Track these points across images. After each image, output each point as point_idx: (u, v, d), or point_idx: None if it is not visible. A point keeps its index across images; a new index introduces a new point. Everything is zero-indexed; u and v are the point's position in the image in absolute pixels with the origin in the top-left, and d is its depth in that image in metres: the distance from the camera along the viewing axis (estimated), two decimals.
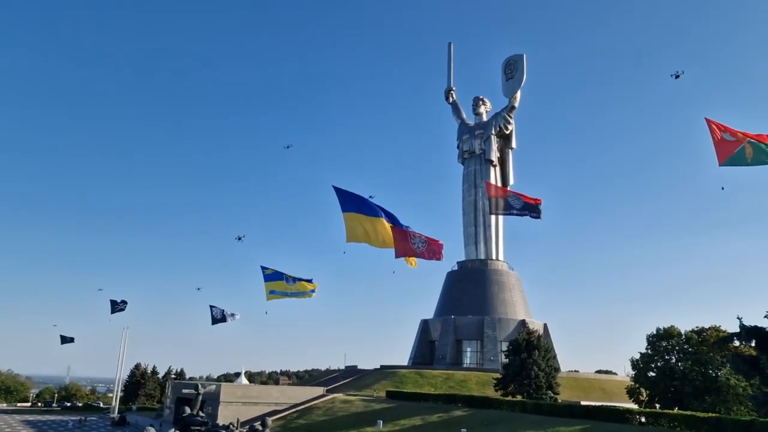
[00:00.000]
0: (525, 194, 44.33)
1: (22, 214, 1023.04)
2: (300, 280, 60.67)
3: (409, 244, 39.93)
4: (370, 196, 40.06)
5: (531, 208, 41.63)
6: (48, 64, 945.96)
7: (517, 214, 43.35)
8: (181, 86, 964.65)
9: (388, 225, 38.88)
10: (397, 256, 40.33)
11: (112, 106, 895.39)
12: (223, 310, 74.90)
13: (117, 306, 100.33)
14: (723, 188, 37.99)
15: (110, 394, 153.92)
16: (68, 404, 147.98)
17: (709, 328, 72.46)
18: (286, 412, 73.71)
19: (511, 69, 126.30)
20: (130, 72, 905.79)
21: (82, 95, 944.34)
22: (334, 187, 38.16)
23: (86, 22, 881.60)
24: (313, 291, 60.15)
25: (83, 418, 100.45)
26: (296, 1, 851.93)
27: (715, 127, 33.56)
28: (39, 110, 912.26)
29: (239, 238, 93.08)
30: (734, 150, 32.97)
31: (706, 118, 34.04)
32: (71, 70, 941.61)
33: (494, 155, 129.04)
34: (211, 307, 75.34)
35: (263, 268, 62.40)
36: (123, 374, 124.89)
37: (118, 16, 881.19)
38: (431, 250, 40.16)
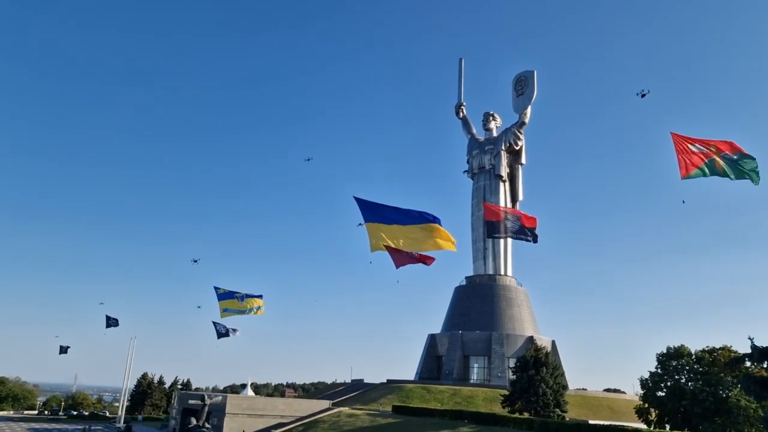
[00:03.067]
0: (523, 212, 44.66)
1: (32, 221, 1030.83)
2: (250, 296, 64.13)
3: (403, 253, 41.08)
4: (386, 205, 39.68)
5: (527, 231, 41.92)
6: (56, 73, 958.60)
7: (513, 237, 43.95)
8: (190, 99, 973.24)
9: (413, 230, 38.82)
10: (397, 266, 41.39)
11: (129, 115, 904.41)
12: (226, 325, 76.58)
13: (110, 321, 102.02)
14: (684, 201, 38.16)
15: (116, 404, 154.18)
16: (74, 413, 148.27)
17: (721, 348, 71.58)
18: (292, 425, 73.51)
19: (522, 85, 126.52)
20: (139, 81, 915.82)
21: (93, 104, 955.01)
22: (356, 198, 38.03)
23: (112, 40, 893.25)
24: (259, 308, 64.43)
25: (87, 427, 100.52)
26: (305, 14, 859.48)
27: (681, 140, 32.90)
28: (48, 116, 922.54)
29: (195, 261, 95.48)
30: (702, 162, 32.41)
31: (671, 133, 33.32)
32: (74, 80, 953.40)
33: (504, 171, 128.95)
34: (214, 323, 76.86)
35: (216, 289, 67.32)
36: (130, 384, 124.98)
37: (154, 40, 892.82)
38: (424, 256, 41.40)
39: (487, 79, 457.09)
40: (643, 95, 57.46)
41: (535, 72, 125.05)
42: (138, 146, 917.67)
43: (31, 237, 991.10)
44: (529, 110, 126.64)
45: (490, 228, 46.66)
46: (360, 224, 42.29)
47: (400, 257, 40.79)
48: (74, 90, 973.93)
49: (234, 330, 77.25)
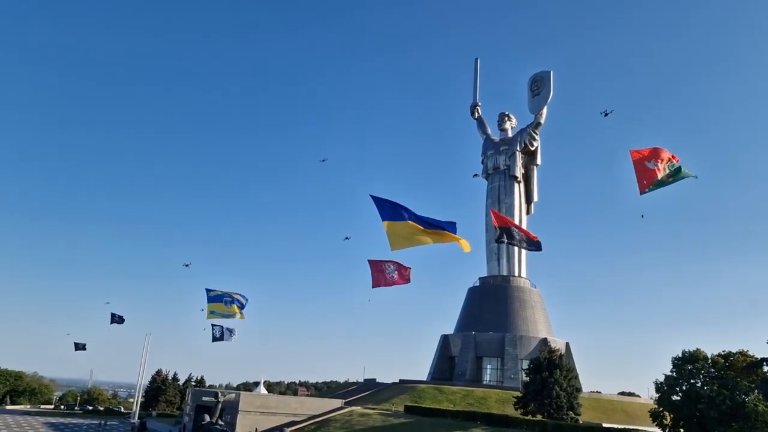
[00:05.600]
0: (527, 230, 45.16)
1: (48, 222, 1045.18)
2: (235, 302, 66.58)
3: (383, 274, 42.77)
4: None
5: (531, 242, 42.20)
6: (58, 72, 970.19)
7: (518, 246, 44.38)
8: (199, 98, 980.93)
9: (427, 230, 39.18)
10: (373, 286, 43.04)
11: (146, 115, 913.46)
12: (223, 328, 77.31)
13: (115, 318, 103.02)
14: (642, 216, 37.50)
15: (131, 399, 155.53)
16: (90, 408, 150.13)
17: (737, 352, 70.64)
18: (304, 424, 73.76)
19: (538, 85, 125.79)
20: (142, 81, 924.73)
21: (108, 105, 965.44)
22: (372, 196, 38.09)
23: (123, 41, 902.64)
24: (239, 313, 66.71)
25: (103, 422, 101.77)
26: (312, 15, 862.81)
27: (638, 156, 32.53)
28: (63, 117, 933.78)
29: (186, 265, 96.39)
30: (657, 175, 32.13)
31: (630, 150, 32.83)
32: (81, 80, 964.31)
33: (519, 171, 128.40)
34: (213, 325, 77.45)
35: (208, 291, 67.48)
36: (144, 380, 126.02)
37: (177, 40, 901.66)
38: (402, 275, 42.90)
39: (502, 80, 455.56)
40: (606, 114, 57.58)
41: (552, 72, 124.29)
42: (148, 146, 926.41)
43: (49, 237, 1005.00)
44: (544, 111, 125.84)
45: (499, 233, 46.86)
46: (347, 238, 43.92)
47: (379, 276, 42.66)
48: (88, 92, 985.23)
49: (230, 331, 77.76)
